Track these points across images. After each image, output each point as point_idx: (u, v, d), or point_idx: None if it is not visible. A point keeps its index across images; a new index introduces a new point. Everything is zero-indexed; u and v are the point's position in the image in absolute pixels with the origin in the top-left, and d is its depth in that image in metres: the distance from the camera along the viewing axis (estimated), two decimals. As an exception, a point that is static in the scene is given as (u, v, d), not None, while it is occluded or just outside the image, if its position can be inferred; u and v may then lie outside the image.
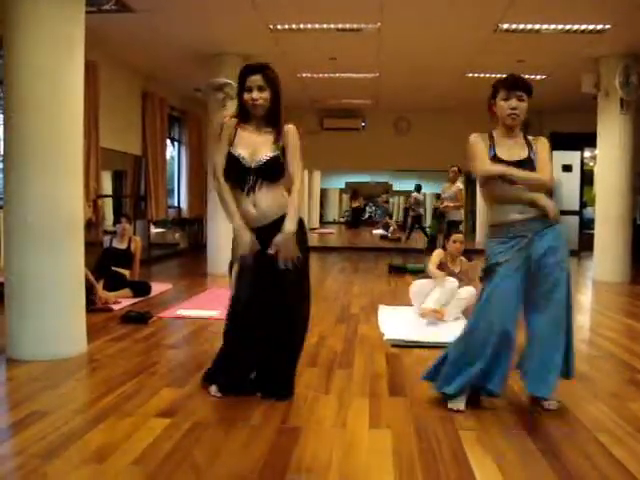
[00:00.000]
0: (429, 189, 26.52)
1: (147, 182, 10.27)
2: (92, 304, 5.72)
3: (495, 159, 3.28)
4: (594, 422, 3.15)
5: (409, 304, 6.49)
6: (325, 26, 7.41)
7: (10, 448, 2.75)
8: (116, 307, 6.10)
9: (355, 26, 7.39)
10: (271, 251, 3.30)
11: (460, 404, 3.30)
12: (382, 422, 3.14)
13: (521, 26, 7.25)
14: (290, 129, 3.41)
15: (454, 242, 5.90)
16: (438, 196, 24.19)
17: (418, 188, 17.40)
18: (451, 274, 5.81)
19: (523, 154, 3.29)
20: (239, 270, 3.41)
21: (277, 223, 3.34)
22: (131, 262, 7.02)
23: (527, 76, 9.63)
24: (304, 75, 10.03)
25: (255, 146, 3.35)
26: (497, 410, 3.31)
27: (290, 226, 3.31)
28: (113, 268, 6.77)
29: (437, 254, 5.95)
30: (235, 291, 3.45)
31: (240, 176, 3.35)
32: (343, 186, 27.41)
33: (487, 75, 9.56)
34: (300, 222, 3.42)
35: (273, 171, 3.35)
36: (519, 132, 3.37)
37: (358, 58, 9.03)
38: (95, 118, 7.94)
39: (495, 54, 8.35)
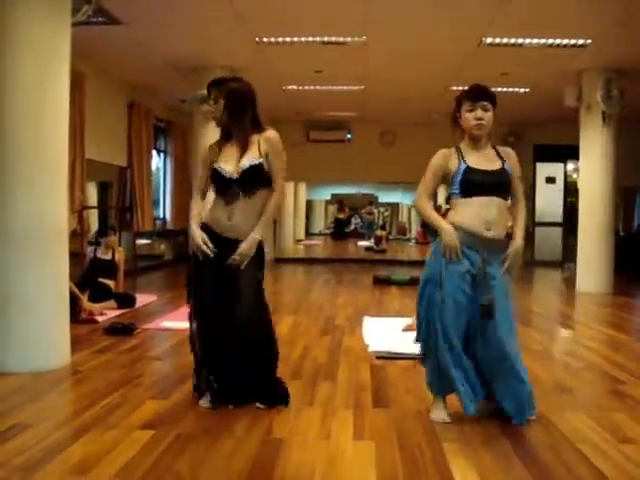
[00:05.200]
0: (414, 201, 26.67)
1: (133, 193, 10.24)
2: (76, 315, 5.69)
3: (470, 171, 3.28)
4: (576, 433, 3.17)
5: (394, 315, 6.53)
6: (311, 39, 7.45)
7: (-8, 461, 2.73)
8: (101, 319, 6.07)
9: (341, 39, 7.44)
10: (232, 258, 3.40)
11: (443, 415, 3.33)
12: (366, 434, 3.15)
13: (504, 40, 7.33)
14: (271, 135, 3.47)
15: None
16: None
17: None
18: None
19: (497, 165, 3.30)
20: (199, 277, 3.48)
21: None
22: (115, 273, 6.99)
23: (511, 89, 9.70)
24: (290, 87, 10.07)
25: (236, 159, 3.42)
26: (480, 421, 3.32)
27: (256, 234, 3.42)
28: (99, 279, 6.75)
29: None
30: (196, 297, 3.50)
31: (223, 188, 3.43)
32: (329, 198, 27.48)
33: (471, 88, 9.64)
34: (259, 243, 3.50)
35: (253, 179, 3.39)
36: (487, 143, 3.38)
37: (343, 71, 9.09)
38: (81, 129, 7.93)
39: (479, 67, 8.43)
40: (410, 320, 5.83)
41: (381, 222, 24.94)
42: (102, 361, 4.55)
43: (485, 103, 3.28)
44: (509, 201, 3.36)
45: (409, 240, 24.89)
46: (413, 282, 9.56)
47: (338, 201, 26.14)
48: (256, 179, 3.40)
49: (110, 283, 6.87)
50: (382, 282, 9.74)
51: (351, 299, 8.11)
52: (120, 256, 7.09)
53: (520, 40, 7.32)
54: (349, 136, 13.51)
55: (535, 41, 7.37)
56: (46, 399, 3.63)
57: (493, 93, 3.33)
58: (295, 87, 10.09)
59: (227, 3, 6.24)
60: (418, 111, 11.92)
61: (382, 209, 27.34)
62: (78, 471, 2.61)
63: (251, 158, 3.39)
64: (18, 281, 4.20)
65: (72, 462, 2.71)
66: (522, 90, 9.78)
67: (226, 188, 3.40)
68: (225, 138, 3.52)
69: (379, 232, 19.69)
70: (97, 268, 6.86)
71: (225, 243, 3.42)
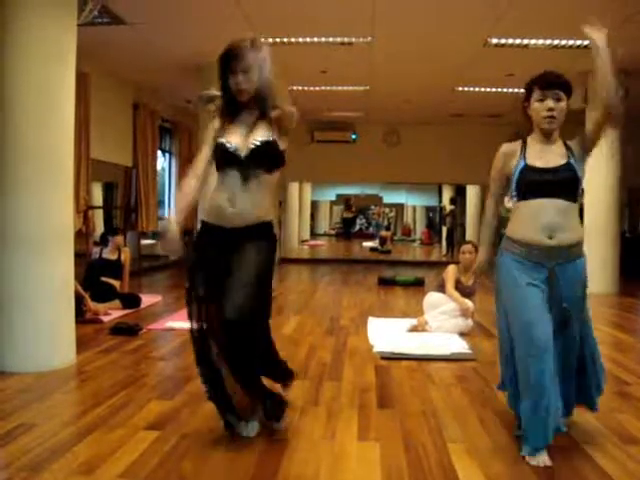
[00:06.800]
0: (418, 202, 26.73)
1: (138, 193, 10.26)
2: (82, 315, 5.70)
3: (527, 169, 2.90)
4: (582, 434, 3.16)
5: (399, 316, 6.53)
6: (316, 39, 7.46)
7: (-3, 460, 2.74)
8: (106, 319, 6.08)
9: (346, 40, 7.44)
10: None
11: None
12: (371, 434, 3.14)
13: (510, 41, 7.32)
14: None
15: (463, 253, 5.96)
16: (433, 209, 24.10)
17: (453, 201, 17.54)
18: (465, 290, 5.84)
19: (561, 160, 2.89)
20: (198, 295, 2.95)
21: (252, 229, 2.95)
22: (121, 273, 7.01)
23: (517, 90, 9.65)
24: (295, 88, 10.07)
25: (244, 134, 2.96)
26: (485, 422, 3.32)
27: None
28: (103, 279, 6.77)
29: (452, 272, 5.92)
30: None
31: (227, 166, 2.94)
32: (334, 198, 27.52)
33: (476, 89, 9.63)
34: (270, 226, 3.05)
35: (265, 157, 2.93)
36: (558, 137, 2.97)
37: (349, 71, 9.08)
38: (86, 129, 7.95)
39: (484, 68, 8.42)
40: (415, 321, 5.86)
41: (386, 223, 24.96)
42: (107, 361, 4.55)
43: (558, 92, 2.87)
44: (577, 203, 2.93)
45: (414, 241, 24.91)
46: (418, 283, 9.60)
47: (345, 200, 26.17)
48: (266, 158, 2.94)
49: (115, 283, 6.89)
50: (387, 283, 9.75)
51: (356, 300, 8.11)
52: (126, 256, 7.11)
53: (525, 41, 7.32)
54: (354, 136, 13.51)
55: (540, 42, 7.36)
56: (51, 399, 3.63)
57: (568, 80, 2.93)
58: (300, 87, 10.09)
59: (233, 3, 6.25)
60: (423, 112, 11.91)
61: (387, 210, 27.35)
62: (83, 471, 2.61)
63: (263, 134, 2.94)
64: (23, 281, 4.21)
65: (77, 462, 2.71)
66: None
67: (231, 167, 2.92)
68: (231, 115, 3.02)
69: (384, 233, 19.74)
70: (100, 268, 6.87)
71: (226, 235, 2.94)
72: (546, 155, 2.91)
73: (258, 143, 2.91)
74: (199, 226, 3.12)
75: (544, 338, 2.76)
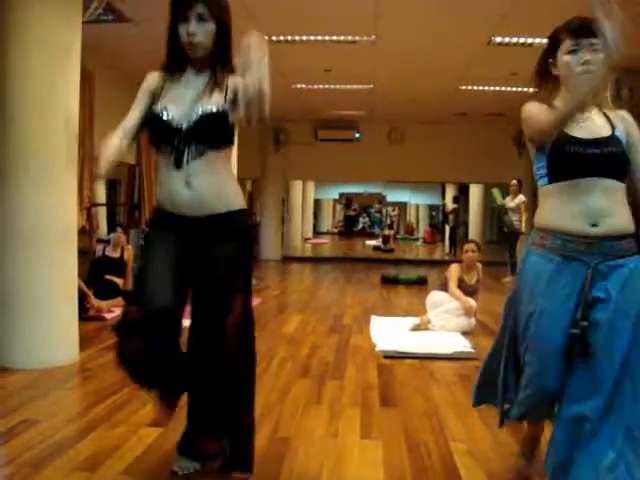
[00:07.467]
0: (421, 200, 26.73)
1: (141, 191, 10.25)
2: (85, 312, 5.71)
3: (565, 140, 2.24)
4: (584, 434, 3.15)
5: (401, 315, 6.53)
6: (320, 38, 7.45)
7: (0, 457, 2.74)
8: (109, 316, 6.08)
9: (350, 38, 7.43)
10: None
11: None
12: (373, 432, 3.15)
13: (514, 39, 7.30)
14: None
15: (466, 252, 5.98)
16: (436, 208, 24.06)
17: (456, 199, 17.54)
18: (468, 289, 5.85)
19: (604, 131, 2.28)
20: (147, 254, 2.59)
21: (219, 220, 2.39)
22: (124, 271, 7.02)
23: (521, 89, 9.55)
24: (299, 86, 10.06)
25: (190, 100, 2.35)
26: (487, 421, 3.31)
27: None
28: (106, 276, 6.78)
29: (455, 271, 5.95)
30: (140, 287, 2.51)
31: (166, 141, 2.34)
32: (337, 197, 27.54)
33: (480, 88, 9.62)
34: (244, 215, 2.53)
35: (213, 132, 2.34)
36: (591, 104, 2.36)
37: (353, 70, 9.07)
38: (90, 126, 7.95)
39: (488, 67, 8.40)
40: (418, 319, 5.86)
41: (389, 221, 24.96)
42: (110, 358, 4.51)
43: (594, 41, 2.25)
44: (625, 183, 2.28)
45: (417, 240, 24.89)
46: (421, 281, 9.60)
47: (346, 199, 26.21)
48: (215, 131, 2.35)
49: (119, 281, 6.90)
50: (390, 281, 9.75)
51: (359, 298, 8.11)
52: (129, 254, 7.12)
53: (529, 39, 7.30)
54: (358, 135, 13.49)
55: (545, 40, 7.31)
56: (54, 396, 3.64)
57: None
58: (304, 86, 10.09)
59: (236, 1, 6.24)
60: (427, 110, 11.89)
61: (390, 208, 27.36)
62: (86, 468, 2.61)
63: (214, 102, 2.34)
64: (27, 278, 4.21)
65: (80, 459, 2.71)
66: (532, 90, 9.71)
67: (172, 142, 2.32)
68: (176, 71, 2.43)
69: (387, 231, 19.74)
70: (103, 266, 6.89)
71: (187, 225, 2.39)
72: (585, 123, 2.30)
73: (205, 113, 2.32)
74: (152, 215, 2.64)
75: (552, 390, 2.29)
